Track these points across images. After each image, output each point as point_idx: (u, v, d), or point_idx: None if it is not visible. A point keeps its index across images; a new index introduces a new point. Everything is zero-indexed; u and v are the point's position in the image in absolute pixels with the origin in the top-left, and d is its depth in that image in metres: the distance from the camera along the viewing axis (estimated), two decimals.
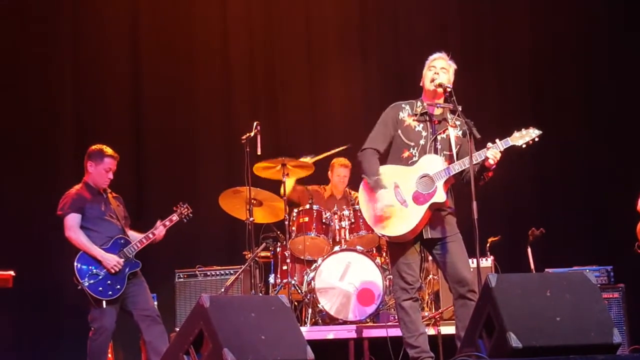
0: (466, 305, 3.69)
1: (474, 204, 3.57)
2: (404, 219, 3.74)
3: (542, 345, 2.97)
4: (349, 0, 6.90)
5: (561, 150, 6.39)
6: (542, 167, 6.42)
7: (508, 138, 3.79)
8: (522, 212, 6.35)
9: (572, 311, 3.07)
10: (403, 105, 3.93)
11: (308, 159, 5.46)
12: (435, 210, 3.79)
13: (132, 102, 6.53)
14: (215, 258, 5.74)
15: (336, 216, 5.28)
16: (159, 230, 4.50)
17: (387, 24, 6.85)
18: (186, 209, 4.64)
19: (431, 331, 4.63)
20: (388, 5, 6.85)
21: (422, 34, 6.62)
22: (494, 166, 3.75)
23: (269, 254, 5.46)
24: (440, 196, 3.74)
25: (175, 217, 4.60)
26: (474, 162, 3.67)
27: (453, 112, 3.86)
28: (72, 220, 4.36)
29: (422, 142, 3.85)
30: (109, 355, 4.79)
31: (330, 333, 4.86)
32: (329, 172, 5.81)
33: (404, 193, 3.77)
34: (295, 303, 5.19)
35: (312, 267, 5.11)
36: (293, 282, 5.17)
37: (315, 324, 5.01)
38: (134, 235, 4.53)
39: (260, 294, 5.11)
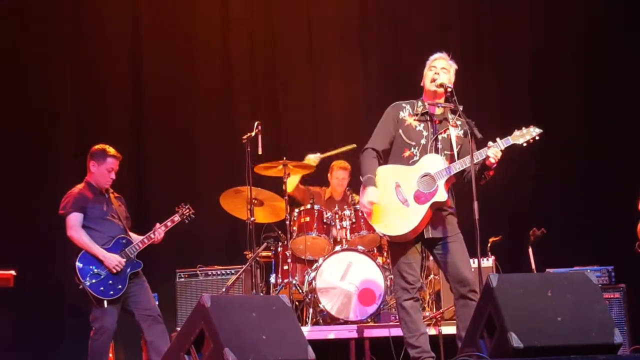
0: (467, 305, 3.69)
1: (475, 203, 3.58)
2: (405, 219, 3.75)
3: (543, 345, 2.98)
4: (349, 1, 6.90)
5: (561, 150, 6.39)
6: (542, 167, 6.42)
7: (509, 137, 3.80)
8: (523, 212, 6.35)
9: (573, 311, 3.07)
10: (404, 105, 3.94)
11: (313, 159, 5.47)
12: (437, 210, 3.79)
13: (133, 102, 6.53)
14: (216, 258, 5.75)
15: (337, 216, 5.29)
16: (158, 232, 4.50)
17: (387, 24, 6.86)
18: (188, 210, 4.64)
19: (432, 331, 4.63)
20: (388, 5, 6.85)
21: (422, 34, 6.62)
22: (495, 165, 3.76)
23: (270, 254, 5.46)
24: (442, 195, 3.75)
25: (176, 218, 4.60)
26: (475, 162, 3.68)
27: (454, 112, 3.87)
28: (74, 220, 4.36)
29: (423, 141, 3.85)
30: (110, 355, 4.79)
31: (331, 333, 4.86)
32: (329, 175, 5.82)
33: (405, 192, 3.78)
34: (296, 303, 5.19)
35: (313, 267, 5.11)
36: (294, 282, 5.17)
37: (316, 323, 5.01)
38: (134, 237, 4.53)
39: (261, 294, 5.12)
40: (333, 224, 5.29)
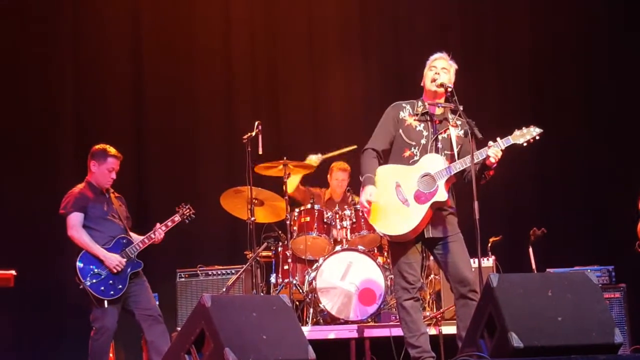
0: (467, 305, 3.69)
1: (476, 203, 3.58)
2: (405, 218, 3.75)
3: (543, 345, 2.98)
4: (350, 1, 6.90)
5: (561, 150, 6.39)
6: (542, 167, 6.43)
7: (509, 136, 3.80)
8: (523, 212, 6.36)
9: (573, 311, 3.08)
10: (404, 105, 3.94)
11: (314, 159, 5.47)
12: (437, 210, 3.79)
13: (133, 102, 6.53)
14: (216, 258, 5.75)
15: (337, 216, 5.29)
16: (158, 232, 4.50)
17: (387, 24, 6.86)
18: (188, 210, 4.64)
19: (432, 331, 4.63)
20: (388, 5, 6.85)
21: (422, 34, 6.63)
22: (495, 165, 3.76)
23: (270, 254, 5.46)
24: (442, 195, 3.75)
25: (177, 218, 4.60)
26: (475, 161, 3.68)
27: (454, 111, 3.87)
28: (75, 220, 4.36)
29: (423, 141, 3.86)
30: (111, 355, 4.79)
31: (331, 333, 4.86)
32: (328, 176, 5.82)
33: (405, 192, 3.78)
34: (297, 303, 5.19)
35: (314, 267, 5.11)
36: (294, 281, 5.17)
37: (316, 323, 5.01)
38: (134, 237, 4.53)
39: (262, 294, 5.12)
40: (333, 223, 5.29)
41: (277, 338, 3.16)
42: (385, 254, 5.19)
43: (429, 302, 5.15)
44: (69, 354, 5.71)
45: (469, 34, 6.73)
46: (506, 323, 2.99)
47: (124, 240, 4.45)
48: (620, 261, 5.30)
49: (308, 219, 5.28)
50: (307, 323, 5.01)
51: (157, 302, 4.61)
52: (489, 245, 5.26)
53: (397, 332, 4.43)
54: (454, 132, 3.86)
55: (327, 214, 5.33)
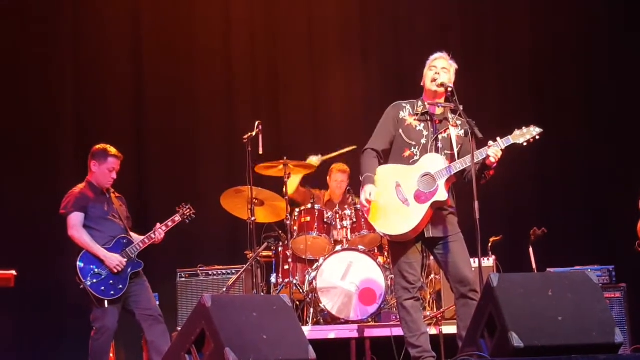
0: (468, 304, 3.69)
1: (476, 203, 3.58)
2: (405, 218, 3.75)
3: (544, 344, 2.98)
4: (350, 1, 6.90)
5: (561, 150, 6.39)
6: (542, 166, 6.43)
7: (509, 136, 3.80)
8: (523, 212, 6.36)
9: (574, 311, 3.08)
10: (404, 105, 3.94)
11: (315, 160, 5.47)
12: (437, 210, 3.80)
13: (133, 102, 6.53)
14: (217, 258, 5.75)
15: (338, 216, 5.29)
16: (158, 232, 4.49)
17: (387, 24, 6.86)
18: (188, 210, 4.64)
19: (433, 331, 4.63)
20: (388, 5, 6.86)
21: (422, 34, 6.63)
22: (495, 164, 3.76)
23: (270, 254, 5.47)
24: (442, 195, 3.75)
25: (177, 218, 4.60)
26: (475, 161, 3.68)
27: (454, 111, 3.88)
28: (75, 219, 4.36)
29: (423, 141, 3.86)
30: (111, 355, 4.79)
31: (332, 333, 4.86)
32: (328, 177, 5.82)
33: (405, 192, 3.78)
34: (297, 303, 5.19)
35: (314, 267, 5.11)
36: (295, 281, 5.18)
37: (317, 323, 5.01)
38: (134, 237, 4.53)
39: (262, 294, 5.12)
40: (334, 223, 5.29)
41: (278, 338, 3.16)
42: (386, 253, 5.19)
43: (429, 301, 5.15)
44: (69, 354, 5.72)
45: (469, 34, 6.73)
46: (507, 323, 2.99)
47: (125, 240, 4.45)
48: (621, 261, 5.31)
49: (308, 218, 5.29)
50: (307, 323, 5.01)
51: (158, 302, 4.61)
52: (490, 245, 5.26)
53: (398, 331, 4.42)
54: (454, 132, 3.86)
55: (327, 213, 5.33)
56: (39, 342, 5.90)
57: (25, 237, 5.88)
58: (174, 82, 6.57)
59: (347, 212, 5.26)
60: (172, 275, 5.45)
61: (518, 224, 5.99)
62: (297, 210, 5.36)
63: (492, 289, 3.08)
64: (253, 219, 4.99)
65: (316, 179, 5.83)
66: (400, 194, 3.78)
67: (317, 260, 5.15)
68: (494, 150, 3.73)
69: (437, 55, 3.94)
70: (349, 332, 4.84)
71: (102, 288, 4.30)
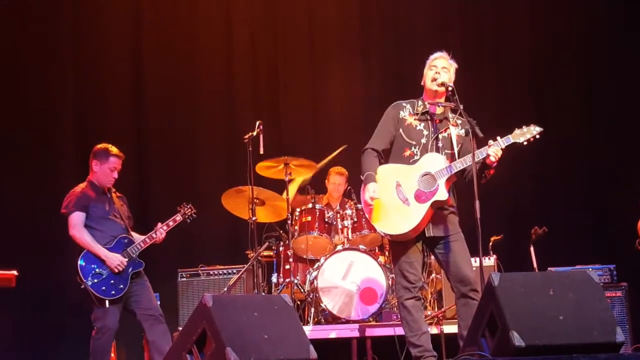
0: (468, 304, 3.70)
1: (477, 202, 3.58)
2: (406, 217, 3.75)
3: (545, 344, 2.98)
4: (350, 1, 6.91)
5: (561, 150, 6.39)
6: (542, 166, 6.43)
7: (509, 135, 3.81)
8: (523, 211, 6.36)
9: (575, 310, 3.08)
10: (404, 105, 3.95)
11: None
12: (438, 209, 3.80)
13: (134, 102, 6.54)
14: (217, 257, 5.75)
15: (339, 215, 5.30)
16: (159, 232, 4.49)
17: (387, 24, 6.86)
18: (190, 209, 4.64)
19: (434, 330, 4.63)
20: (388, 5, 6.86)
21: (422, 34, 6.63)
22: (495, 164, 3.76)
23: (271, 253, 5.47)
24: (442, 194, 3.75)
25: (178, 218, 4.60)
26: (476, 160, 3.68)
27: (454, 111, 3.88)
28: (77, 219, 4.35)
29: (423, 140, 3.86)
30: (112, 355, 4.79)
31: (333, 332, 4.87)
32: (325, 181, 5.83)
33: (405, 191, 3.79)
34: (298, 302, 5.20)
35: (315, 266, 5.12)
36: (296, 281, 5.18)
37: (318, 323, 5.02)
38: (135, 237, 4.53)
39: (263, 293, 5.12)
40: (334, 223, 5.30)
41: (279, 337, 3.16)
42: (387, 253, 5.19)
43: (430, 301, 5.16)
44: (69, 354, 5.72)
45: (469, 34, 6.73)
46: (508, 322, 2.99)
47: (126, 240, 4.45)
48: (621, 260, 5.31)
49: (309, 218, 5.29)
50: (308, 322, 5.01)
51: (159, 302, 4.61)
52: (490, 244, 5.26)
53: (401, 331, 4.42)
54: (454, 131, 3.87)
55: (328, 213, 5.33)
56: (39, 342, 5.90)
57: (25, 237, 5.88)
58: (175, 82, 6.58)
59: (348, 211, 5.27)
60: (173, 275, 5.45)
61: (519, 223, 5.99)
62: (298, 210, 5.36)
63: (493, 288, 3.09)
64: (254, 218, 4.99)
65: (314, 183, 5.82)
66: (401, 194, 3.79)
67: (318, 260, 5.15)
68: (494, 150, 3.73)
69: (437, 54, 3.94)
70: (350, 331, 4.85)
71: (103, 288, 4.30)
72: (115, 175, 4.48)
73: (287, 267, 5.23)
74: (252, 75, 6.76)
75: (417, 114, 3.90)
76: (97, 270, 4.31)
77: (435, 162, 3.80)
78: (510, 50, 6.72)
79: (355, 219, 5.23)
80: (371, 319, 4.96)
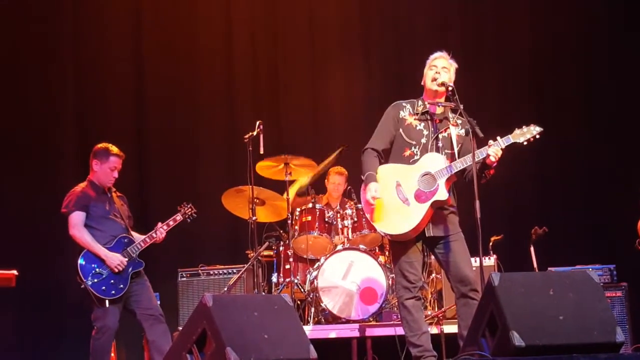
0: (468, 304, 3.70)
1: (477, 202, 3.58)
2: (406, 217, 3.75)
3: (545, 344, 2.99)
4: (350, 1, 6.91)
5: (561, 150, 6.39)
6: (542, 166, 6.43)
7: (509, 135, 3.81)
8: (523, 211, 6.36)
9: (575, 310, 3.08)
10: (404, 104, 3.95)
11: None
12: (438, 209, 3.80)
13: (134, 102, 6.54)
14: (218, 257, 5.76)
15: (339, 215, 5.30)
16: (160, 232, 4.49)
17: (387, 24, 6.87)
18: (190, 209, 4.64)
19: (434, 330, 4.64)
20: (388, 5, 6.86)
21: (423, 34, 6.64)
22: (495, 164, 3.77)
23: (271, 253, 5.48)
24: (442, 194, 3.75)
25: (179, 217, 4.60)
26: (475, 160, 3.68)
27: (454, 111, 3.88)
28: (77, 219, 4.35)
29: (423, 140, 3.86)
30: (112, 355, 4.79)
31: (333, 332, 4.87)
32: (325, 180, 5.83)
33: (405, 191, 3.79)
34: (298, 302, 5.20)
35: (315, 266, 5.12)
36: (296, 281, 5.19)
37: (318, 322, 5.02)
38: (136, 237, 4.53)
39: (263, 293, 5.12)
40: (335, 223, 5.30)
41: (279, 337, 3.16)
42: (387, 253, 5.20)
43: (430, 301, 5.16)
44: (69, 354, 5.72)
45: (469, 34, 6.73)
46: (508, 322, 2.99)
47: (126, 240, 4.45)
48: (621, 260, 5.31)
49: (309, 218, 5.30)
50: (308, 322, 5.01)
51: (159, 302, 4.61)
52: (491, 244, 5.27)
53: (402, 331, 4.42)
54: (454, 131, 3.87)
55: (328, 213, 5.34)
56: (39, 342, 5.90)
57: (25, 237, 5.89)
58: (175, 82, 6.58)
59: (348, 211, 5.27)
60: (173, 274, 5.45)
61: (519, 223, 5.99)
62: (298, 209, 5.36)
63: (493, 288, 3.09)
64: (254, 218, 4.99)
65: (314, 183, 5.82)
66: (401, 194, 3.79)
67: (318, 260, 5.15)
68: (494, 150, 3.73)
69: (437, 54, 3.94)
70: (350, 331, 4.85)
71: (103, 287, 4.30)
72: (116, 174, 4.47)
73: (287, 266, 5.24)
74: (252, 75, 6.76)
75: (417, 113, 3.90)
76: (97, 269, 4.31)
77: (435, 162, 3.80)
78: (511, 50, 6.72)
79: (356, 219, 5.23)
80: (371, 319, 4.96)
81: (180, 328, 4.82)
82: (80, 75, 6.43)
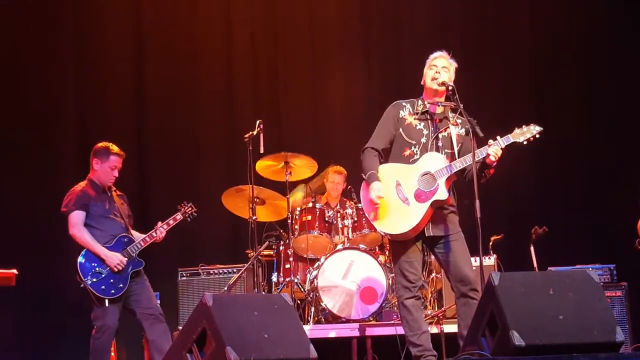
0: (468, 304, 3.70)
1: (477, 202, 3.58)
2: (405, 217, 3.75)
3: (545, 343, 2.99)
4: (350, 1, 6.91)
5: (561, 150, 6.39)
6: (542, 166, 6.43)
7: (509, 135, 3.81)
8: (523, 211, 6.36)
9: (575, 309, 3.08)
10: (404, 104, 3.95)
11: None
12: (438, 209, 3.80)
13: (134, 101, 6.55)
14: (218, 256, 5.76)
15: (339, 215, 5.30)
16: (160, 231, 4.49)
17: (387, 24, 6.87)
18: (190, 208, 4.63)
19: (434, 329, 4.63)
20: (388, 5, 6.86)
21: (423, 34, 6.64)
22: (495, 163, 3.77)
23: (271, 253, 5.48)
24: (442, 194, 3.75)
25: (179, 216, 4.60)
26: (475, 160, 3.68)
27: (454, 110, 3.88)
28: (77, 218, 4.35)
29: (423, 140, 3.86)
30: (112, 354, 4.79)
31: (333, 331, 4.87)
32: (324, 180, 5.83)
33: (405, 191, 3.79)
34: (298, 301, 5.20)
35: (315, 266, 5.13)
36: (296, 280, 5.19)
37: (318, 322, 5.02)
38: (136, 235, 4.53)
39: (263, 293, 5.12)
40: (335, 222, 5.30)
41: (279, 337, 3.17)
42: (387, 252, 5.20)
43: (430, 300, 5.16)
44: (69, 354, 5.72)
45: (469, 34, 6.73)
46: (508, 321, 2.99)
47: (126, 239, 4.44)
48: (621, 260, 5.31)
49: (309, 217, 5.30)
50: (308, 322, 5.02)
51: (159, 301, 4.61)
52: (491, 243, 5.27)
53: (402, 330, 4.42)
54: (454, 131, 3.87)
55: (328, 212, 5.34)
56: (39, 342, 5.90)
57: (25, 237, 5.89)
58: (175, 82, 6.59)
59: (349, 211, 5.27)
60: (173, 274, 5.45)
61: (519, 222, 5.99)
62: (298, 209, 5.37)
63: (493, 288, 3.09)
64: (254, 217, 5.00)
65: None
66: (401, 193, 3.79)
67: (318, 259, 5.15)
68: (494, 149, 3.73)
69: (437, 54, 3.94)
70: (350, 330, 4.85)
71: (103, 287, 4.30)
72: (116, 173, 4.47)
73: (287, 266, 5.24)
74: (252, 75, 6.76)
75: (417, 113, 3.90)
76: (96, 269, 4.31)
77: (435, 162, 3.80)
78: (511, 50, 6.72)
79: (356, 219, 5.24)
80: (371, 319, 4.96)
81: (181, 327, 4.82)
82: (81, 75, 6.43)
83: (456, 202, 3.90)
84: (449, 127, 3.88)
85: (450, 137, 3.86)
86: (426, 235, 3.81)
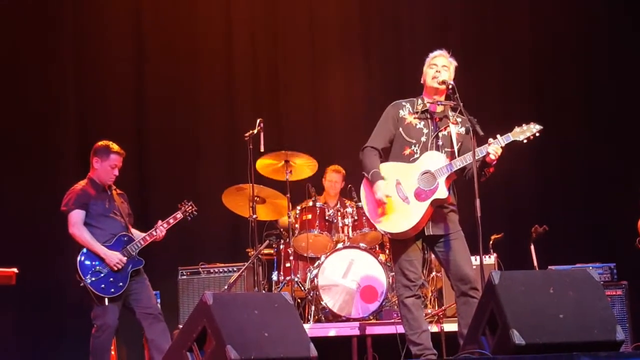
0: (468, 302, 3.70)
1: (477, 201, 3.58)
2: (405, 216, 3.75)
3: (545, 342, 2.99)
4: (350, 0, 6.92)
5: (561, 150, 6.40)
6: (542, 166, 6.43)
7: (509, 133, 3.81)
8: (523, 210, 6.37)
9: (575, 308, 3.08)
10: (403, 103, 3.95)
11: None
12: (438, 207, 3.80)
13: (134, 101, 6.55)
14: (218, 255, 5.76)
15: (339, 213, 5.30)
16: (160, 230, 4.49)
17: (387, 24, 6.87)
18: (190, 207, 4.63)
19: (434, 328, 4.63)
20: (388, 5, 6.87)
21: (423, 34, 6.64)
22: (495, 162, 3.77)
23: (272, 251, 5.48)
24: (442, 192, 3.75)
25: (179, 215, 4.60)
26: (476, 158, 3.68)
27: (454, 109, 3.88)
28: (76, 217, 4.35)
29: (423, 139, 3.86)
30: (112, 353, 4.79)
31: (333, 330, 4.87)
32: (322, 179, 5.83)
33: (405, 190, 3.79)
34: (299, 300, 5.21)
35: (315, 265, 5.13)
36: (296, 279, 5.20)
37: (318, 321, 5.02)
38: (136, 234, 4.53)
39: (264, 291, 5.12)
40: (335, 221, 5.30)
41: (279, 335, 3.17)
42: (387, 251, 5.20)
43: (430, 299, 5.16)
44: (69, 354, 5.72)
45: (469, 34, 6.74)
46: (508, 320, 2.99)
47: (125, 238, 4.44)
48: (621, 260, 5.31)
49: (310, 216, 5.30)
50: (308, 320, 5.02)
51: (159, 300, 4.62)
52: (491, 242, 5.27)
53: (402, 329, 4.42)
54: (454, 130, 3.87)
55: (328, 211, 5.34)
56: (39, 342, 5.90)
57: (25, 236, 5.89)
58: (175, 81, 6.59)
59: (349, 209, 5.27)
60: (174, 272, 5.45)
61: (519, 221, 5.99)
62: (299, 208, 5.37)
63: (494, 287, 3.09)
64: (254, 216, 5.00)
65: (313, 182, 5.82)
66: (401, 192, 3.79)
67: (318, 258, 5.16)
68: (494, 148, 3.74)
69: (437, 52, 3.94)
70: (350, 329, 4.85)
71: (102, 286, 4.30)
72: (116, 172, 4.47)
73: (288, 265, 5.24)
74: (252, 75, 6.77)
75: (416, 112, 3.90)
76: (96, 268, 4.31)
77: (435, 160, 3.80)
78: (511, 50, 6.73)
79: (356, 217, 5.24)
80: (371, 317, 4.97)
81: (181, 326, 4.82)
82: (81, 75, 6.43)
83: (456, 201, 3.90)
84: (449, 125, 3.88)
85: (450, 136, 3.86)
86: (426, 234, 3.81)
